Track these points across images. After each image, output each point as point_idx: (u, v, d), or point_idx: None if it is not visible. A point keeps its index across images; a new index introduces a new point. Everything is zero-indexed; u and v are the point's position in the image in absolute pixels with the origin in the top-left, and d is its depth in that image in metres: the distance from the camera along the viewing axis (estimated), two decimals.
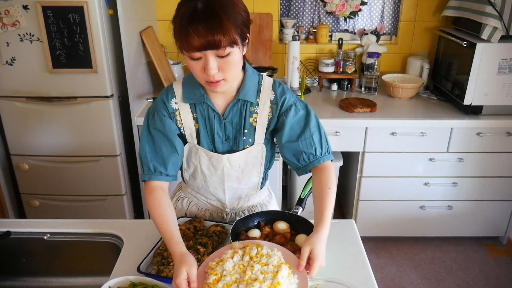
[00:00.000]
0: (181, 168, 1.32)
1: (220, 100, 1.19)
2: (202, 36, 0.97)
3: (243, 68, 1.18)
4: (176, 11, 1.03)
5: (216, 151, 1.24)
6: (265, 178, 1.38)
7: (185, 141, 1.24)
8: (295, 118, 1.20)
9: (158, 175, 1.18)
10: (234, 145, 1.23)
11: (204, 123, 1.20)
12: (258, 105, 1.20)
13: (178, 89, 1.20)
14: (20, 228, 1.36)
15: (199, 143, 1.22)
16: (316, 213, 1.11)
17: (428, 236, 2.73)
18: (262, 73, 1.25)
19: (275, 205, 1.49)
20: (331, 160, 1.22)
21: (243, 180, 1.30)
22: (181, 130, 1.22)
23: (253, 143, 1.23)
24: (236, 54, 1.04)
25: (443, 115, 2.37)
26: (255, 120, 1.21)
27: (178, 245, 1.05)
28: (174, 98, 1.20)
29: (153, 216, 1.13)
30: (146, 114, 1.22)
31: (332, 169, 1.19)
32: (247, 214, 1.38)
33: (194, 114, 1.20)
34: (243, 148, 1.23)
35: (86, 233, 1.35)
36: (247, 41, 1.08)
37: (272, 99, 1.21)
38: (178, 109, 1.20)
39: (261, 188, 1.39)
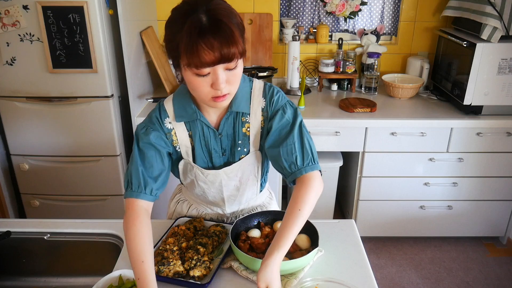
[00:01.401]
0: (178, 176, 1.30)
1: (213, 115, 1.16)
2: (217, 50, 0.92)
3: None
4: (174, 28, 0.97)
5: (213, 166, 1.22)
6: (264, 181, 1.37)
7: (180, 158, 1.21)
8: (280, 123, 1.15)
9: (148, 194, 1.11)
10: (230, 157, 1.21)
11: (199, 140, 1.17)
12: (250, 115, 1.17)
13: (169, 108, 1.16)
14: (20, 228, 1.36)
15: (194, 160, 1.20)
16: (276, 235, 1.04)
17: (428, 236, 2.73)
18: (252, 78, 1.22)
19: (275, 205, 1.48)
20: (320, 171, 1.14)
21: (241, 187, 1.29)
22: (177, 149, 1.19)
23: (248, 152, 1.22)
24: (241, 65, 1.01)
25: (443, 115, 2.37)
26: (248, 129, 1.19)
27: None
28: (167, 118, 1.16)
29: (134, 248, 1.02)
30: (137, 130, 1.17)
31: (313, 183, 1.10)
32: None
33: (190, 132, 1.17)
34: (239, 159, 1.21)
35: (86, 233, 1.35)
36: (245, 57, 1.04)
37: (263, 107, 1.18)
38: (173, 128, 1.16)
39: (260, 191, 1.38)
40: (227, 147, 1.19)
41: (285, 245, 1.02)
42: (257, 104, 1.17)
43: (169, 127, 1.16)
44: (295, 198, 1.09)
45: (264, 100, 1.18)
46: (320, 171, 1.14)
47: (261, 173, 1.30)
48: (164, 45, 1.03)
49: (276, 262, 1.00)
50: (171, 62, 1.04)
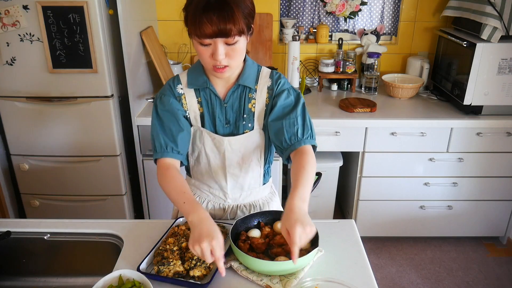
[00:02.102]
0: (186, 158, 1.36)
1: (220, 86, 1.27)
2: (215, 24, 1.06)
3: (244, 59, 1.26)
4: (189, 1, 1.11)
5: (217, 133, 1.30)
6: (267, 173, 1.41)
7: (190, 124, 1.30)
8: (285, 101, 1.26)
9: (170, 152, 1.23)
10: (234, 129, 1.29)
11: (207, 107, 1.28)
12: (256, 91, 1.28)
13: (183, 77, 1.30)
14: (20, 228, 1.36)
15: (203, 125, 1.30)
16: (292, 189, 1.11)
17: (428, 236, 2.73)
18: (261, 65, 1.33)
19: (278, 203, 1.50)
20: (315, 147, 1.24)
21: (243, 166, 1.33)
22: (187, 114, 1.29)
23: (252, 128, 1.29)
24: (241, 42, 1.13)
25: (443, 115, 2.37)
26: (254, 105, 1.28)
27: (203, 210, 1.10)
28: (180, 84, 1.29)
29: (173, 187, 1.17)
30: (154, 99, 1.32)
31: (311, 154, 1.19)
32: (248, 208, 1.41)
33: (199, 98, 1.28)
34: (243, 132, 1.29)
35: (86, 233, 1.35)
36: (251, 31, 1.17)
37: (269, 86, 1.29)
38: (184, 93, 1.28)
39: (264, 183, 1.41)
40: (231, 118, 1.28)
41: (300, 192, 1.09)
42: (264, 83, 1.29)
43: (180, 92, 1.29)
44: (296, 165, 1.17)
45: (271, 80, 1.29)
46: (315, 147, 1.24)
47: (264, 160, 1.35)
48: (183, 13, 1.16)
49: (299, 207, 1.04)
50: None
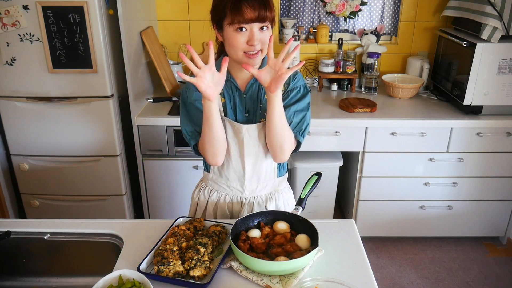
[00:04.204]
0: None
1: (240, 79, 1.36)
2: (256, 9, 1.18)
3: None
4: None
5: (237, 122, 1.38)
6: (282, 166, 1.47)
7: None
8: (294, 97, 1.36)
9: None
10: (253, 119, 1.37)
11: (229, 97, 1.36)
12: None
13: None
14: (20, 228, 1.36)
15: (225, 114, 1.37)
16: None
17: (428, 236, 2.73)
18: None
19: (292, 199, 1.54)
20: (299, 143, 1.35)
21: (260, 155, 1.38)
22: None
23: None
24: (269, 31, 1.25)
25: (443, 115, 2.37)
26: None
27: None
28: None
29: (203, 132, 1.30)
30: (182, 95, 1.41)
31: (294, 144, 1.34)
32: (265, 200, 1.44)
33: (221, 90, 1.35)
34: (260, 121, 1.36)
35: (86, 233, 1.35)
36: (274, 26, 1.27)
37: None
38: None
39: (279, 176, 1.46)
40: (250, 108, 1.37)
41: (275, 107, 1.24)
42: None
43: None
44: None
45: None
46: (300, 144, 1.36)
47: None
48: (210, 13, 1.27)
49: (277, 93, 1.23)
50: (214, 26, 1.29)
